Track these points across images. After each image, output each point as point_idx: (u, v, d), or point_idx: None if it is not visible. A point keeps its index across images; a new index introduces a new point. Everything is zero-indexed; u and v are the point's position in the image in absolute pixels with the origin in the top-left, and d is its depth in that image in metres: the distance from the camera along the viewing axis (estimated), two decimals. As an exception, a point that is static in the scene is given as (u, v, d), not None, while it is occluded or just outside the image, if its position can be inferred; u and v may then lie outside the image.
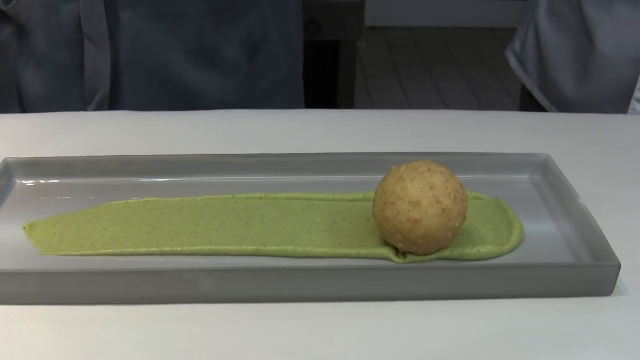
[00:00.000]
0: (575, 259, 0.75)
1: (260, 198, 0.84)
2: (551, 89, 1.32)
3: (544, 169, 0.89)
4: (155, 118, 1.09)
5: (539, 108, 1.34)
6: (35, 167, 0.88)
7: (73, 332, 0.66)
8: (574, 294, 0.71)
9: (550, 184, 0.87)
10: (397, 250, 0.74)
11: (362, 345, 0.65)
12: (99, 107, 1.19)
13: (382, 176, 0.75)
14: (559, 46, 1.28)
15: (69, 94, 1.21)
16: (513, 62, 1.42)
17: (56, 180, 0.88)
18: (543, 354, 0.64)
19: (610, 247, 0.72)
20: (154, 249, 0.76)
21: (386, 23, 4.49)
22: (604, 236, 0.73)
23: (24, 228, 0.79)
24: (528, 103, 1.40)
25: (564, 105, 1.28)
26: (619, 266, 0.70)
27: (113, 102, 1.20)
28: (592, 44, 1.20)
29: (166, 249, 0.76)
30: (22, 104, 1.24)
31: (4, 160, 0.87)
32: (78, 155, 0.89)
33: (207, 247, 0.76)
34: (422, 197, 0.70)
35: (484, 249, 0.75)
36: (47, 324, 0.67)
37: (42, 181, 0.88)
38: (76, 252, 0.75)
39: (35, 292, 0.69)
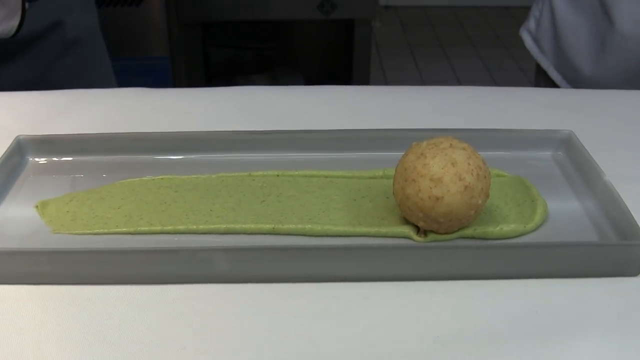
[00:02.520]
0: (600, 238, 0.74)
1: (278, 176, 0.82)
2: (567, 68, 1.31)
3: (567, 146, 0.87)
4: (170, 94, 1.08)
5: (554, 87, 1.33)
6: (48, 144, 0.87)
7: (85, 312, 0.65)
8: (599, 274, 0.69)
9: (573, 161, 0.85)
10: (418, 229, 0.73)
11: (382, 327, 0.64)
12: None
13: (402, 153, 0.73)
14: (576, 25, 1.27)
15: None
16: (528, 41, 1.41)
17: (69, 158, 0.87)
18: (567, 336, 0.62)
19: (638, 225, 0.70)
20: (169, 228, 0.74)
21: (400, 2, 4.48)
22: (631, 214, 0.72)
23: (37, 206, 0.78)
24: (543, 82, 1.39)
25: (580, 84, 1.27)
26: (647, 246, 0.68)
27: None
28: (611, 22, 1.19)
29: (181, 227, 0.74)
30: None
31: (16, 138, 0.86)
32: (91, 132, 0.88)
33: (223, 226, 0.74)
34: (444, 174, 0.68)
35: (507, 228, 0.73)
36: (58, 304, 0.66)
37: (55, 159, 0.87)
38: (89, 231, 0.74)
39: (46, 272, 0.67)
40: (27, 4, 1.16)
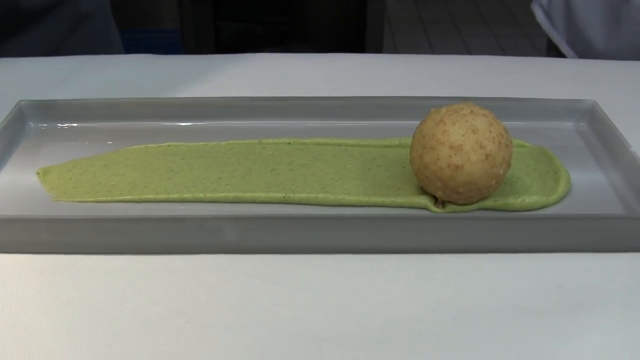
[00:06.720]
0: (626, 210, 0.71)
1: (289, 143, 0.80)
2: (579, 43, 1.29)
3: (590, 116, 0.84)
4: (179, 61, 1.07)
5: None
6: (51, 110, 0.85)
7: (86, 283, 0.63)
8: (625, 248, 0.67)
9: (597, 132, 0.82)
10: (436, 199, 0.70)
11: (397, 301, 0.61)
12: None
13: (419, 122, 0.70)
14: (588, -2, 1.24)
15: None
16: (539, 15, 1.39)
17: (73, 124, 0.85)
18: (593, 313, 0.60)
19: (666, 198, 0.68)
20: (175, 196, 0.72)
21: (413, -22, 4.45)
22: (659, 186, 0.69)
23: (38, 173, 0.76)
24: (554, 58, 1.36)
25: (591, 59, 1.24)
26: (676, 219, 0.66)
27: None
28: (626, -5, 1.16)
29: (188, 195, 0.72)
30: None
31: (18, 102, 0.84)
32: (96, 97, 0.85)
33: (231, 194, 0.72)
34: (464, 142, 0.65)
35: (529, 199, 0.70)
36: (58, 275, 0.64)
37: (59, 125, 0.85)
38: (92, 199, 0.72)
39: (46, 240, 0.65)
40: None
